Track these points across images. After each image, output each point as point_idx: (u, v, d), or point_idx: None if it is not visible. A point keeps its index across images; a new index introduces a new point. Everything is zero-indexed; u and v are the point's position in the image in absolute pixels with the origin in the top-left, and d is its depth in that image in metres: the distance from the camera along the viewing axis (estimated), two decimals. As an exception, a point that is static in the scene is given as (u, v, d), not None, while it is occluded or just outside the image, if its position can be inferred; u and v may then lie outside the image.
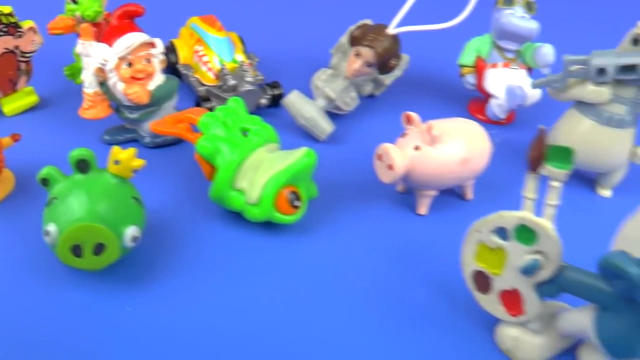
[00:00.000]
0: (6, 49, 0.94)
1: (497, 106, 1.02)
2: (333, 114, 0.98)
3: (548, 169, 0.60)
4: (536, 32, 0.98)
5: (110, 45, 0.85)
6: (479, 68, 1.03)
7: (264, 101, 1.01)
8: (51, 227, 0.66)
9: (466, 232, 0.64)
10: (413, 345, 0.66)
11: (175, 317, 0.67)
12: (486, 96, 1.04)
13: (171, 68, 1.07)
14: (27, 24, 0.95)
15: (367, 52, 0.92)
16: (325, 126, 0.95)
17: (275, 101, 1.02)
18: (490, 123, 1.04)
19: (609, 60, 0.79)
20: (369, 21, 1.00)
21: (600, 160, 0.86)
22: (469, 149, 0.79)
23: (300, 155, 0.76)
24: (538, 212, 0.61)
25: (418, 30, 0.92)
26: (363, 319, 0.69)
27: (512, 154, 0.95)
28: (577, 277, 0.59)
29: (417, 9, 0.94)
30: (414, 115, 0.79)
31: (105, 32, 0.87)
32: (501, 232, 0.61)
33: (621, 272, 0.52)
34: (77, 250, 0.65)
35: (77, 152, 0.68)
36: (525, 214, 0.60)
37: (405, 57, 1.07)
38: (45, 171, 0.69)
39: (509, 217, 0.60)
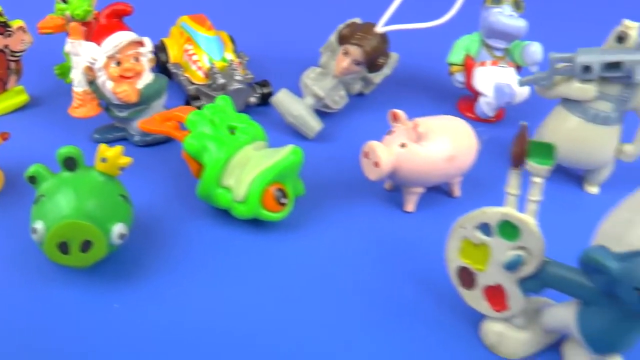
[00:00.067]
0: (-4, 48, 0.94)
1: (486, 104, 1.02)
2: (322, 113, 0.99)
3: (530, 165, 0.61)
4: (524, 30, 0.99)
5: (98, 44, 0.86)
6: (467, 66, 1.03)
7: (253, 100, 1.01)
8: (38, 225, 0.66)
9: (450, 229, 0.65)
10: (399, 341, 0.66)
11: (162, 314, 0.67)
12: (475, 94, 1.04)
13: (161, 67, 1.07)
14: (16, 23, 0.95)
15: (355, 51, 0.93)
16: (314, 124, 0.95)
17: (265, 100, 1.03)
18: (479, 121, 1.05)
19: (594, 57, 0.80)
20: (358, 20, 1.01)
21: (587, 157, 0.87)
22: (455, 146, 0.80)
23: (287, 152, 0.77)
24: (526, 208, 0.62)
25: (406, 29, 0.92)
26: (349, 315, 0.69)
27: (500, 151, 0.95)
28: (560, 273, 0.59)
29: (406, 8, 0.94)
30: (400, 112, 0.79)
31: (94, 31, 0.87)
32: (485, 228, 0.62)
33: (601, 267, 0.53)
34: (64, 248, 0.65)
35: (65, 150, 0.68)
36: (508, 210, 0.60)
37: (394, 56, 1.07)
38: (32, 169, 0.69)
39: (492, 213, 0.61)
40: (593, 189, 0.91)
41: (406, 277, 0.74)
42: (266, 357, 0.64)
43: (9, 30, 0.94)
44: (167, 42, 1.08)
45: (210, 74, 1.00)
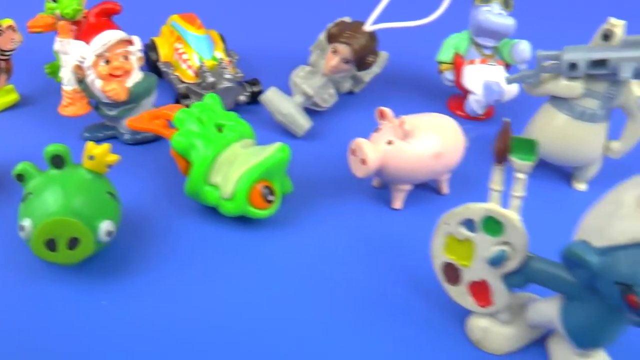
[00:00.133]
0: (-15, 47, 0.94)
1: (476, 102, 1.03)
2: (312, 111, 0.99)
3: (513, 160, 0.61)
4: (513, 28, 0.99)
5: (87, 42, 0.86)
6: (457, 64, 1.04)
7: (242, 98, 1.02)
8: (26, 222, 0.66)
9: (435, 225, 0.65)
10: (386, 337, 0.67)
11: (150, 311, 0.68)
12: (465, 92, 1.05)
13: (152, 66, 1.08)
14: (6, 22, 0.95)
15: (344, 49, 0.93)
16: (303, 122, 0.96)
17: (255, 98, 1.03)
18: (469, 119, 1.05)
19: (580, 55, 0.80)
20: (347, 18, 1.01)
21: (574, 155, 0.87)
22: (442, 143, 0.80)
23: (274, 150, 0.77)
24: (509, 204, 0.62)
25: (394, 27, 0.93)
26: (337, 312, 0.69)
27: (489, 149, 0.94)
28: (543, 268, 0.60)
29: (395, 6, 0.95)
30: (387, 110, 0.79)
31: (83, 30, 0.88)
32: (469, 224, 0.62)
33: (581, 261, 0.53)
34: (51, 245, 0.65)
35: (52, 148, 0.69)
36: (492, 206, 0.60)
37: (384, 55, 1.08)
38: (20, 167, 0.70)
39: (476, 209, 0.61)
40: (581, 186, 0.92)
41: (394, 274, 0.74)
42: (254, 354, 0.64)
43: (-2, 30, 0.94)
44: (158, 41, 1.09)
45: (200, 72, 1.00)
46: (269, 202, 0.77)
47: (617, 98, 0.83)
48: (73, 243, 0.66)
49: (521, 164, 0.60)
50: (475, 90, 1.01)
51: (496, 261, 0.61)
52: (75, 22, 0.97)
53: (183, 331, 0.66)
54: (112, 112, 0.90)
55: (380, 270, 0.75)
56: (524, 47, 0.99)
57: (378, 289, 0.72)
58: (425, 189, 0.88)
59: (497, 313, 0.64)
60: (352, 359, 0.64)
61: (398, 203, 0.84)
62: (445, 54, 1.05)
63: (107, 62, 0.86)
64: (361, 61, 0.95)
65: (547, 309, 0.61)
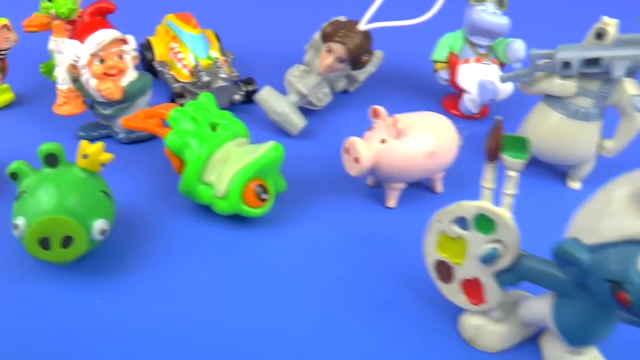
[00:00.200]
0: (-20, 46, 0.95)
1: (470, 101, 1.03)
2: (306, 110, 0.99)
3: (504, 158, 0.61)
4: (507, 27, 0.99)
5: (82, 41, 0.86)
6: (451, 63, 1.04)
7: (237, 97, 1.02)
8: (20, 221, 0.66)
9: (428, 223, 0.65)
10: (379, 334, 0.67)
11: (144, 310, 0.68)
12: (459, 91, 1.05)
13: (147, 65, 1.08)
14: (1, 21, 0.95)
15: (338, 48, 0.93)
16: (297, 121, 0.96)
17: (249, 97, 1.03)
18: (464, 118, 1.05)
19: (573, 53, 0.80)
20: (341, 18, 1.01)
21: (568, 153, 0.88)
22: (436, 142, 0.80)
23: (267, 148, 0.77)
24: (501, 202, 0.62)
25: (389, 26, 0.93)
26: (330, 310, 0.69)
27: (482, 147, 0.95)
28: (535, 265, 0.60)
29: (389, 5, 0.95)
30: (380, 108, 0.79)
31: (78, 29, 0.88)
32: (461, 221, 0.62)
33: (572, 259, 0.53)
34: (45, 243, 0.65)
35: (46, 147, 0.69)
36: (484, 204, 0.61)
37: (378, 54, 1.08)
38: (14, 165, 0.70)
39: (468, 207, 0.61)
40: (575, 185, 0.92)
41: (387, 272, 0.74)
42: (248, 352, 0.64)
43: (-7, 29, 0.95)
44: (153, 40, 1.09)
45: (195, 71, 1.00)
46: (263, 200, 0.77)
47: (611, 97, 0.83)
48: (67, 242, 0.66)
49: (513, 161, 0.61)
50: (469, 89, 1.02)
51: (488, 259, 0.61)
52: (70, 22, 0.97)
53: (177, 330, 0.66)
54: (107, 111, 0.90)
55: (374, 268, 0.75)
56: (518, 46, 0.99)
57: (371, 286, 0.73)
58: (419, 188, 0.88)
59: (489, 311, 0.65)
60: (345, 356, 0.64)
61: (392, 201, 0.84)
62: (440, 53, 1.05)
63: (102, 61, 0.86)
64: (356, 60, 0.95)
65: (539, 306, 0.61)
